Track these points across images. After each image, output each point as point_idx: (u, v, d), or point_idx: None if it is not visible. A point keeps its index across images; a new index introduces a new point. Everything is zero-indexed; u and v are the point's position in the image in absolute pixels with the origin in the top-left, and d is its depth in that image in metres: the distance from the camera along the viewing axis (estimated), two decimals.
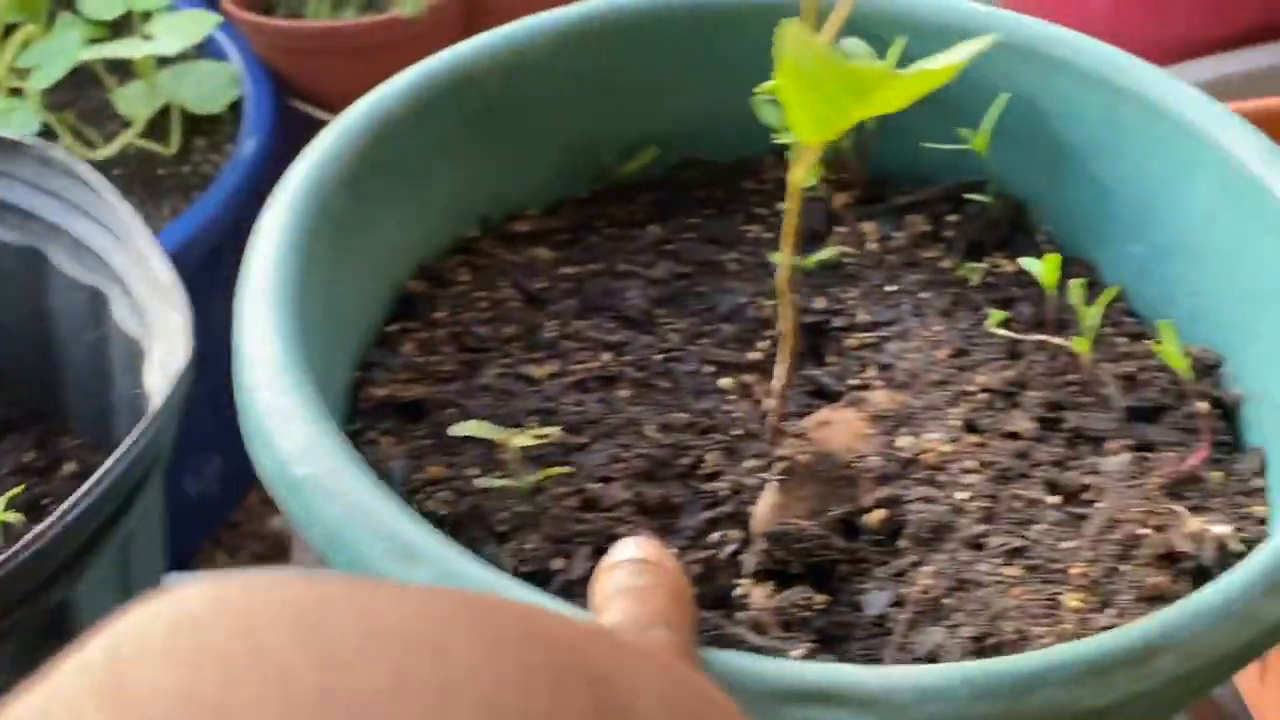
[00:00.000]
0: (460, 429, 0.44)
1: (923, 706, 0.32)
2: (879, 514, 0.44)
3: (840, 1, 0.36)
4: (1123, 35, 1.38)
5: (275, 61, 1.45)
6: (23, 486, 0.48)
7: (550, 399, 0.48)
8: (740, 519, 0.44)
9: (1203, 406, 0.46)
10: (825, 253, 0.53)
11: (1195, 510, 0.43)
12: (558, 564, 0.42)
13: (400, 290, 0.50)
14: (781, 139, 0.53)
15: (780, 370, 0.45)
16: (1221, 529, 0.41)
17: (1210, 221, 0.48)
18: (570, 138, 0.54)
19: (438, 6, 1.37)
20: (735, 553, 0.43)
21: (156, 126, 1.26)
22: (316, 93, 1.44)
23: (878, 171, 0.55)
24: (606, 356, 0.50)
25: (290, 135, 1.38)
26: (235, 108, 1.32)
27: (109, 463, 0.40)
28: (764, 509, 0.44)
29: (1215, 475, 0.45)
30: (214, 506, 1.12)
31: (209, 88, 1.35)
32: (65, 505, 0.39)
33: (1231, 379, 0.47)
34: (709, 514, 0.45)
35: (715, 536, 0.44)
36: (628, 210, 0.56)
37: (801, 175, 0.39)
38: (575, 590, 0.42)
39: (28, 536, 0.38)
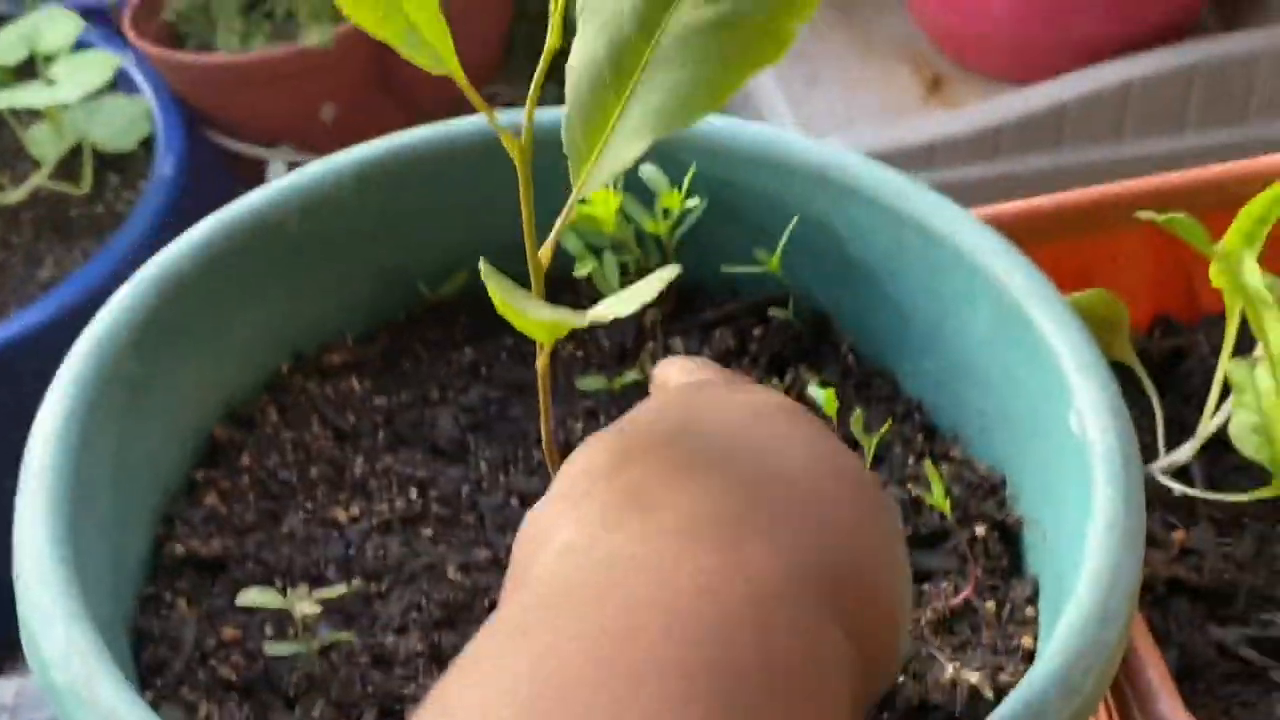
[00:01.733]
0: (244, 598, 0.45)
1: None
2: None
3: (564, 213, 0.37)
4: (1025, 39, 1.39)
5: (187, 94, 1.45)
6: None
7: (352, 545, 0.49)
8: None
9: (980, 531, 0.48)
10: (631, 375, 0.54)
11: (963, 648, 0.44)
12: None
13: (206, 437, 0.51)
14: (580, 271, 0.54)
15: None
16: (974, 676, 0.42)
17: (988, 347, 0.49)
18: (380, 268, 0.55)
19: (345, 35, 1.37)
20: None
21: (69, 165, 1.26)
22: (229, 124, 1.44)
23: (689, 285, 0.56)
24: (413, 494, 0.51)
25: (204, 167, 1.38)
26: (148, 143, 1.32)
27: None
28: None
29: (989, 605, 0.46)
30: None
31: (120, 125, 1.35)
32: None
33: (1013, 500, 0.49)
34: None
35: None
36: (445, 332, 0.56)
37: (544, 365, 0.40)
38: None
39: None
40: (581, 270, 0.53)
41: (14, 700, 0.70)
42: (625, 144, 0.34)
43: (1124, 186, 0.59)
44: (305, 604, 0.45)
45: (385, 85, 1.35)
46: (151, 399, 0.48)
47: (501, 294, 0.32)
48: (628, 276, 0.55)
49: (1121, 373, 0.59)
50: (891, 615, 0.34)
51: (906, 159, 1.26)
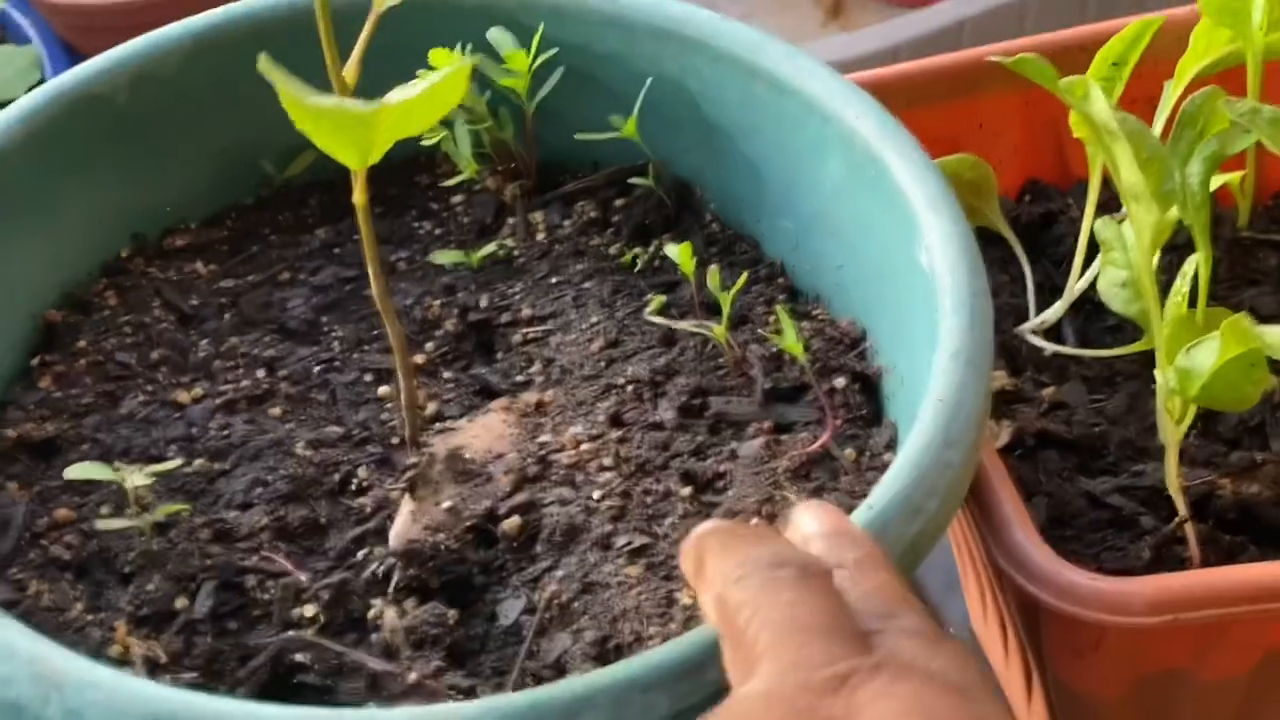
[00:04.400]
0: (72, 471, 0.43)
1: None
2: (514, 520, 0.44)
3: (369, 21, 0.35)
4: None
5: (75, 41, 1.40)
6: None
7: (194, 425, 0.47)
8: (386, 535, 0.44)
9: (840, 383, 0.47)
10: (487, 248, 0.52)
11: (819, 492, 0.43)
12: (181, 603, 0.42)
13: (40, 321, 0.49)
14: (433, 139, 0.52)
15: (402, 379, 0.45)
16: None
17: (840, 196, 0.48)
18: (221, 146, 0.53)
19: None
20: (379, 571, 0.43)
21: None
22: None
23: (550, 159, 0.55)
24: (260, 373, 0.49)
25: None
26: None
27: None
28: (400, 523, 0.44)
29: (849, 453, 0.45)
30: None
31: (9, 72, 1.31)
32: None
33: (874, 352, 0.48)
34: (356, 531, 0.45)
35: (360, 555, 0.44)
36: (297, 215, 0.55)
37: (360, 197, 0.38)
38: (197, 628, 0.41)
39: None
40: (431, 139, 0.51)
41: None
42: None
43: (989, 48, 0.58)
44: (137, 477, 0.43)
45: None
46: None
47: (287, 87, 0.30)
48: (482, 148, 0.53)
49: (992, 238, 0.59)
50: None
51: None
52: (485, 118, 0.52)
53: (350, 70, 0.36)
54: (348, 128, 0.33)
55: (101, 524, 0.43)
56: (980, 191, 0.57)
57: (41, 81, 1.28)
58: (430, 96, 0.30)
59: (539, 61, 0.51)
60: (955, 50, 1.34)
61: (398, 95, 0.30)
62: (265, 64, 0.31)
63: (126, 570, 0.43)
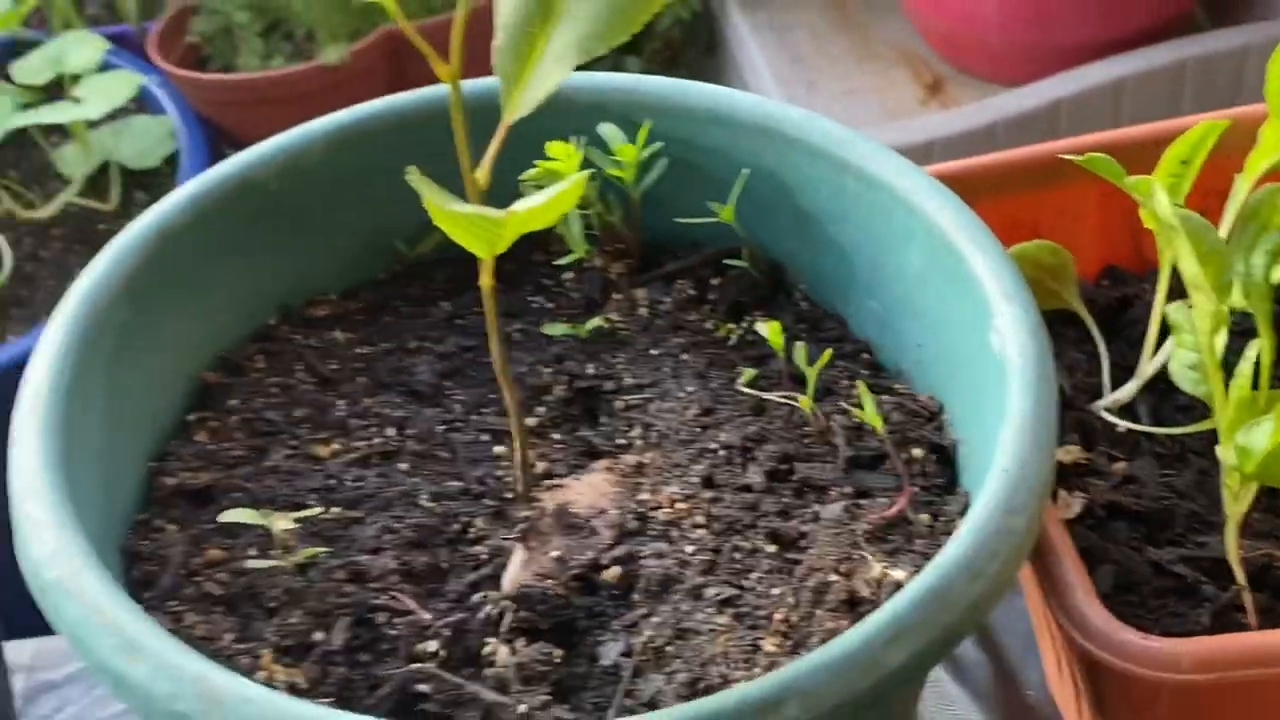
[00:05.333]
0: (226, 516, 0.48)
1: None
2: (615, 571, 0.48)
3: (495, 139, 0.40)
4: (1012, 41, 1.42)
5: (209, 113, 1.50)
6: None
7: (332, 477, 0.52)
8: (500, 580, 0.49)
9: (918, 453, 0.51)
10: (594, 321, 0.57)
11: (894, 554, 0.47)
12: (319, 635, 0.47)
13: (197, 382, 0.55)
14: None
15: (516, 440, 0.50)
16: (900, 573, 0.45)
17: (921, 282, 0.52)
18: (359, 228, 0.58)
19: (360, 52, 1.42)
20: (493, 614, 0.48)
21: (97, 183, 1.31)
22: (250, 141, 1.49)
23: (653, 240, 0.60)
24: (391, 432, 0.54)
25: None
26: (172, 160, 1.37)
27: None
28: (513, 570, 0.49)
29: (924, 518, 0.49)
30: None
31: (146, 143, 1.40)
32: None
33: (950, 426, 0.52)
34: (473, 576, 0.49)
35: (476, 598, 0.49)
36: (424, 288, 0.60)
37: (487, 281, 0.43)
38: (332, 658, 0.46)
39: None
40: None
41: (30, 660, 0.73)
42: (552, 69, 0.38)
43: (1068, 143, 0.62)
44: (282, 522, 0.48)
45: None
46: (142, 344, 0.51)
47: (431, 195, 0.36)
48: (592, 230, 0.59)
49: (1071, 319, 0.63)
50: None
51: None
52: (595, 203, 0.58)
53: (482, 173, 0.41)
54: (481, 228, 0.39)
55: (250, 563, 0.48)
56: (1059, 276, 0.61)
57: (176, 151, 1.37)
58: (551, 204, 0.35)
59: (646, 154, 0.56)
60: (1051, 129, 1.38)
61: (524, 204, 0.35)
62: (414, 176, 0.37)
63: (271, 605, 0.48)
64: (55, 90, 1.41)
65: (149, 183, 1.36)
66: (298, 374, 0.56)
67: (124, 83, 1.37)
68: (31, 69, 1.40)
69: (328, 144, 0.56)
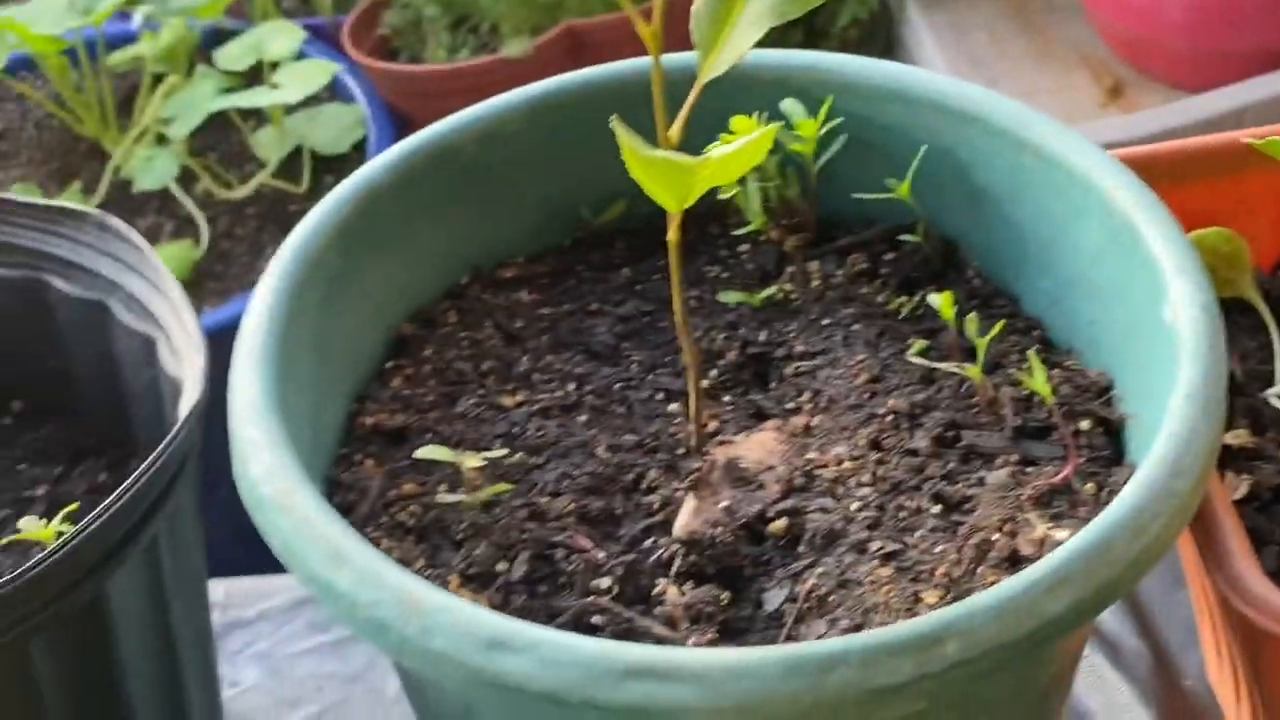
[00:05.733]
0: (421, 452, 0.52)
1: (738, 682, 0.39)
2: (781, 523, 0.50)
3: (691, 95, 0.43)
4: (1200, 47, 1.39)
5: (396, 103, 1.56)
6: (76, 506, 0.57)
7: (516, 425, 0.55)
8: (671, 528, 0.52)
9: (1085, 425, 0.52)
10: (768, 291, 0.59)
11: (1058, 518, 0.48)
12: (501, 566, 0.50)
13: (395, 333, 0.59)
14: (724, 195, 0.60)
15: (692, 396, 0.52)
16: (1063, 534, 0.46)
17: (1098, 260, 0.53)
18: (548, 195, 0.61)
19: (542, 46, 1.46)
20: (662, 559, 0.50)
21: (289, 166, 1.38)
22: None
23: (827, 217, 0.62)
24: (570, 387, 0.57)
25: None
26: (360, 147, 1.43)
27: (130, 480, 0.50)
28: (684, 517, 0.51)
29: (1088, 487, 0.50)
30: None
31: (336, 130, 1.47)
32: (95, 512, 0.49)
33: (1120, 401, 0.52)
34: (645, 523, 0.52)
35: (647, 544, 0.51)
36: (604, 256, 0.63)
37: (674, 235, 0.46)
38: (513, 588, 0.49)
39: (62, 538, 0.48)
40: (726, 193, 0.59)
41: (224, 599, 0.78)
42: (745, 32, 0.40)
43: (1249, 131, 0.62)
44: (472, 461, 0.51)
45: None
46: (348, 293, 0.55)
47: (629, 141, 0.38)
48: (769, 203, 0.61)
49: (1245, 308, 0.63)
50: None
51: None
52: (774, 177, 0.60)
53: (675, 131, 0.43)
54: (673, 177, 0.41)
55: (440, 498, 0.52)
56: (1235, 264, 0.61)
57: (365, 138, 1.43)
58: (741, 154, 0.38)
59: (825, 129, 0.58)
60: None
61: (717, 153, 0.37)
62: (616, 123, 0.39)
63: (458, 537, 0.51)
64: (254, 77, 1.49)
65: (338, 167, 1.43)
66: (486, 330, 0.59)
67: (320, 70, 1.43)
68: (233, 56, 1.48)
69: (524, 114, 0.59)
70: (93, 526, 0.48)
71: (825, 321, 0.58)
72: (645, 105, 0.59)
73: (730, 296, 0.59)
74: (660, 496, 0.52)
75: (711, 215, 0.63)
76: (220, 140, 1.41)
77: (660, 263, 0.62)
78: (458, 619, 0.41)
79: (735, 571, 0.50)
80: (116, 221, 0.59)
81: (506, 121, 0.59)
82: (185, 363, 0.56)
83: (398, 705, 0.73)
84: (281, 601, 0.77)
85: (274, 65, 1.46)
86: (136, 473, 0.49)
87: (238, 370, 0.49)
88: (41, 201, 0.61)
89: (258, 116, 1.42)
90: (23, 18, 1.32)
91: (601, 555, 0.50)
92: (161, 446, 0.50)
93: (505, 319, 0.60)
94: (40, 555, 0.47)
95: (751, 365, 0.58)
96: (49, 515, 0.58)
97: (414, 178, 0.57)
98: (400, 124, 1.55)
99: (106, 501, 0.48)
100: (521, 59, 1.47)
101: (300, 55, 1.47)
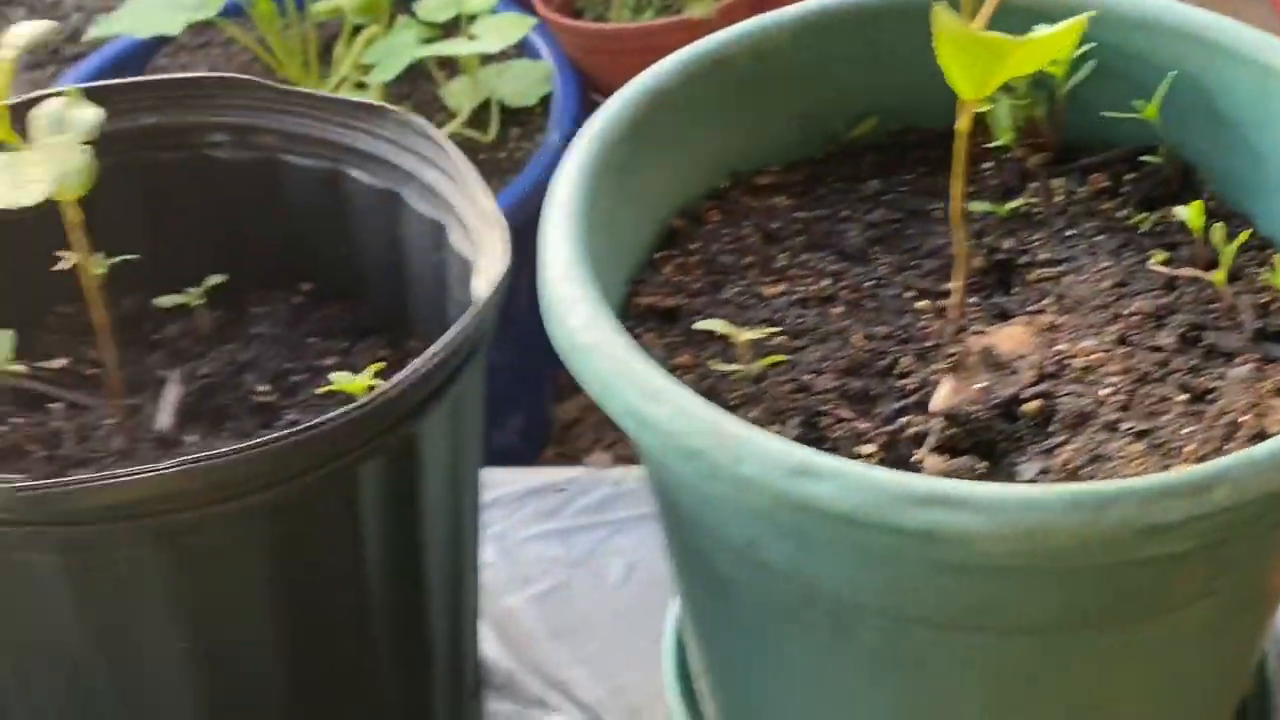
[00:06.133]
0: (703, 324, 0.57)
1: (1024, 513, 0.44)
2: (1035, 404, 0.55)
3: None
4: None
5: (581, 60, 1.62)
6: (383, 364, 0.64)
7: (777, 311, 0.60)
8: (925, 407, 0.56)
9: None
10: (1015, 202, 0.63)
11: None
12: (774, 428, 0.55)
13: (665, 226, 0.64)
14: (981, 109, 0.64)
15: (957, 282, 0.57)
16: None
17: None
18: (806, 108, 0.66)
19: (727, 7, 1.51)
20: (918, 433, 0.55)
21: (478, 117, 1.44)
22: (616, 88, 1.61)
23: (1068, 139, 0.66)
24: (826, 282, 0.62)
25: None
26: (545, 101, 1.49)
27: (445, 337, 0.55)
28: (942, 394, 0.56)
29: None
30: (518, 456, 1.31)
31: (524, 84, 1.53)
32: (417, 362, 0.55)
33: None
34: (900, 403, 0.57)
35: (903, 420, 0.56)
36: (854, 169, 0.68)
37: (965, 124, 0.50)
38: None
39: (392, 380, 0.54)
40: (980, 108, 0.63)
41: (566, 483, 0.84)
42: None
43: None
44: (746, 334, 0.57)
45: None
46: (632, 183, 0.61)
47: (946, 18, 0.43)
48: (1015, 123, 0.65)
49: None
50: None
51: None
52: (1025, 96, 0.64)
53: (981, 20, 0.48)
54: (979, 58, 0.45)
55: (716, 367, 0.57)
56: None
57: (550, 93, 1.49)
58: (1055, 39, 0.42)
59: (1076, 54, 0.62)
60: None
61: (1033, 36, 0.42)
62: (939, 9, 0.44)
63: (732, 403, 0.56)
64: (450, 30, 1.56)
65: (524, 120, 1.49)
66: (745, 229, 0.64)
67: (517, 23, 1.50)
68: (433, 7, 1.55)
69: (791, 31, 0.64)
70: (413, 376, 0.54)
71: (1068, 232, 0.62)
72: (902, 27, 0.64)
73: (978, 206, 0.64)
74: (915, 380, 0.57)
75: (954, 135, 0.67)
76: (414, 90, 1.48)
77: (907, 176, 0.67)
78: (767, 448, 0.46)
79: (990, 446, 0.54)
80: (416, 118, 0.65)
81: (774, 37, 0.64)
82: (481, 242, 0.62)
83: (618, 591, 0.79)
84: (511, 490, 0.83)
85: (471, 18, 1.53)
86: (451, 330, 0.55)
87: (549, 239, 0.55)
88: (345, 97, 0.67)
89: (451, 68, 1.49)
90: None
91: (865, 424, 0.55)
92: (470, 310, 0.56)
93: (763, 220, 0.65)
94: (375, 393, 0.53)
95: (996, 271, 0.62)
96: None
97: (692, 85, 0.62)
98: (583, 81, 1.61)
99: (428, 352, 0.54)
100: (703, 20, 1.52)
101: (494, 10, 1.54)
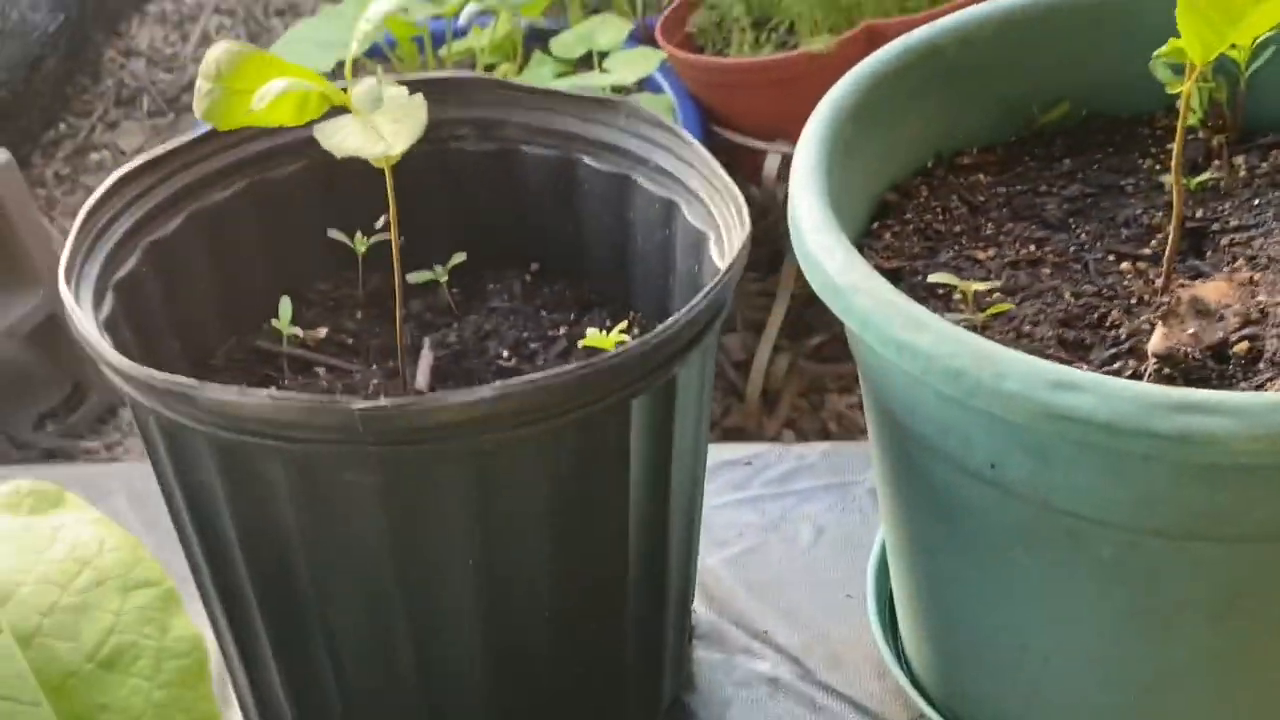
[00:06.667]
0: (934, 277, 0.63)
1: (1273, 414, 0.49)
2: (1243, 345, 0.60)
3: None
4: None
5: (701, 93, 1.70)
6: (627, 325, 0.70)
7: (991, 272, 0.66)
8: (1136, 353, 0.62)
9: None
10: (1202, 176, 0.69)
11: None
12: None
13: (878, 200, 0.70)
14: (1173, 89, 0.70)
15: (1173, 236, 0.62)
16: None
17: None
18: (1005, 95, 0.73)
19: (844, 41, 1.58)
20: (1134, 374, 0.61)
21: None
22: (736, 120, 1.68)
23: (1249, 121, 0.71)
24: (1032, 247, 0.68)
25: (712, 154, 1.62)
26: None
27: (700, 294, 0.61)
28: (1157, 338, 0.61)
29: None
30: None
31: None
32: (679, 314, 0.61)
33: None
34: (1112, 351, 0.62)
35: (1118, 365, 0.61)
36: (1046, 150, 0.74)
37: (1189, 88, 0.56)
38: None
39: (662, 326, 0.60)
40: (1173, 89, 0.69)
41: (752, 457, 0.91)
42: None
43: None
44: (974, 286, 0.62)
45: None
46: (855, 158, 0.67)
47: None
48: (1201, 104, 0.71)
49: None
50: None
51: None
52: (1210, 79, 0.70)
53: None
54: (1212, 21, 0.51)
55: (947, 316, 0.63)
56: None
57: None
58: None
59: (1259, 40, 0.68)
60: None
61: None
62: None
63: None
64: (582, 65, 1.64)
65: None
66: (953, 201, 0.71)
67: (647, 57, 1.58)
68: (567, 44, 1.63)
69: (997, 22, 0.70)
70: (675, 325, 0.60)
71: (1255, 202, 0.68)
72: (1100, 20, 0.70)
73: (1169, 179, 0.69)
74: (1126, 330, 0.63)
75: (1141, 120, 0.73)
76: None
77: (1096, 156, 0.73)
78: (1028, 365, 0.52)
79: (1203, 384, 0.60)
80: (646, 109, 0.72)
81: (982, 28, 0.70)
82: (714, 216, 0.68)
83: (809, 551, 0.84)
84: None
85: (603, 54, 1.61)
86: (705, 289, 0.61)
87: (798, 200, 0.61)
88: (581, 93, 0.74)
89: None
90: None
91: (1084, 368, 0.61)
92: (717, 279, 0.62)
93: (968, 194, 0.71)
94: (650, 334, 0.59)
95: (1189, 238, 0.68)
96: (569, 352, 0.72)
97: (907, 70, 0.69)
98: (703, 113, 1.68)
99: (688, 305, 0.60)
100: (821, 54, 1.59)
101: (623, 47, 1.62)
